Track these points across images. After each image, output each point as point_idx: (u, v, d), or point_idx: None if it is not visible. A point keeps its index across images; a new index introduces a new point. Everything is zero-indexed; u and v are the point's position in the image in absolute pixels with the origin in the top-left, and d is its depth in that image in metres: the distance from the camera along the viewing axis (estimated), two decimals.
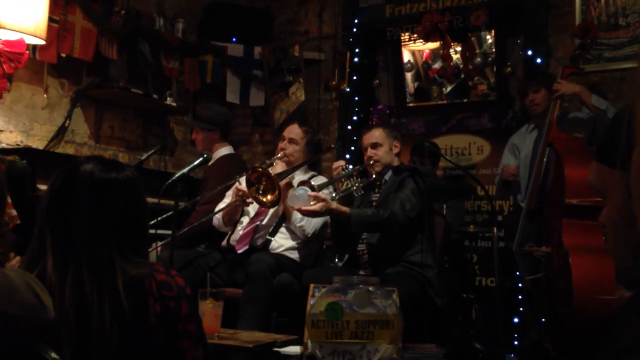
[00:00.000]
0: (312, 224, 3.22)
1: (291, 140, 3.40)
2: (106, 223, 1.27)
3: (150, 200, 1.48)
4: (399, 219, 2.88)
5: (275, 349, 2.23)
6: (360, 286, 1.96)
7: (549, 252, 3.13)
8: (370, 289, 1.96)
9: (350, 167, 3.20)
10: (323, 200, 2.78)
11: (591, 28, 3.51)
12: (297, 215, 3.14)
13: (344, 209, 2.85)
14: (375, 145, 3.16)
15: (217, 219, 3.43)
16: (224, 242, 3.43)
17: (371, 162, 3.16)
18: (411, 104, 4.95)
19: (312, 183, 2.89)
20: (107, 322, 1.18)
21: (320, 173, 5.04)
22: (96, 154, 4.36)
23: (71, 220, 1.26)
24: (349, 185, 3.02)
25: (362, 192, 3.07)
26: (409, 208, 2.91)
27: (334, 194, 3.00)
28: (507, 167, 3.70)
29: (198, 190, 3.82)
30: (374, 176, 3.22)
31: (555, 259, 3.07)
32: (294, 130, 3.43)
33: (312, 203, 2.77)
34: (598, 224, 3.19)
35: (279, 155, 3.40)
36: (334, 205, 2.83)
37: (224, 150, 3.91)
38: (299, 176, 3.42)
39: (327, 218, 3.20)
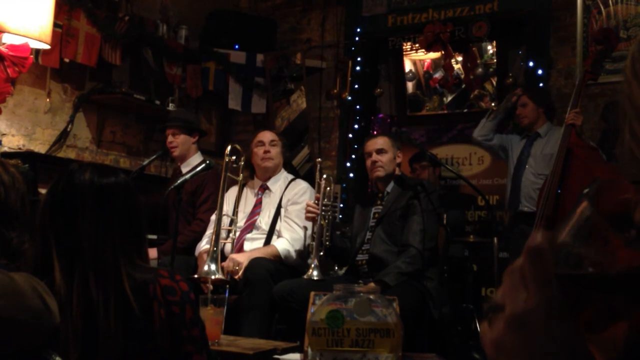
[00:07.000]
0: (293, 250, 3.21)
1: (272, 142, 3.43)
2: (110, 228, 1.28)
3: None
4: (424, 255, 2.92)
5: (276, 356, 2.23)
6: (361, 294, 1.96)
7: None
8: (371, 297, 1.96)
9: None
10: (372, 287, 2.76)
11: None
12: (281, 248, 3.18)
13: (385, 281, 2.82)
14: (380, 151, 3.18)
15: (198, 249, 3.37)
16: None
17: (376, 166, 3.17)
18: (411, 114, 4.98)
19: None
20: (113, 328, 1.18)
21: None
22: (97, 158, 4.37)
23: (76, 228, 1.26)
24: (326, 220, 3.05)
25: (340, 216, 3.07)
26: (427, 239, 2.94)
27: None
28: None
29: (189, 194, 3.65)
30: (370, 190, 3.24)
31: None
32: (269, 135, 3.47)
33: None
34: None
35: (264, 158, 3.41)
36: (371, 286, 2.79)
37: (199, 155, 3.78)
38: (279, 181, 3.45)
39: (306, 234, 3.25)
